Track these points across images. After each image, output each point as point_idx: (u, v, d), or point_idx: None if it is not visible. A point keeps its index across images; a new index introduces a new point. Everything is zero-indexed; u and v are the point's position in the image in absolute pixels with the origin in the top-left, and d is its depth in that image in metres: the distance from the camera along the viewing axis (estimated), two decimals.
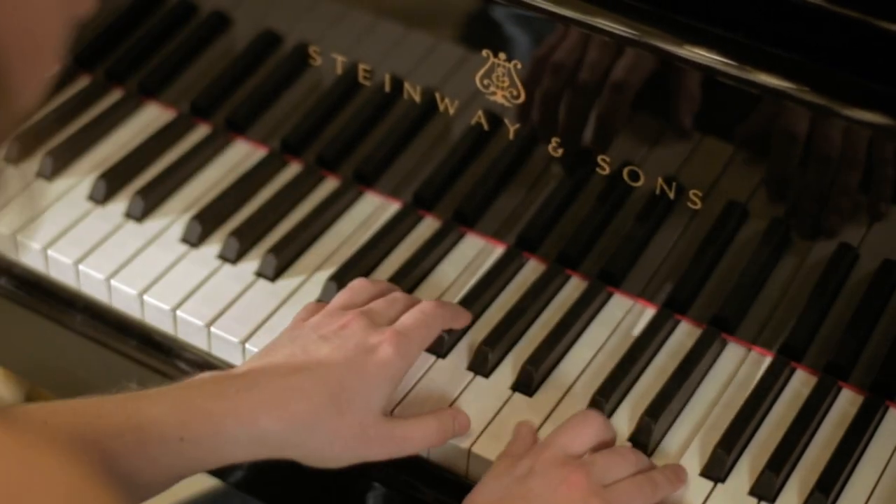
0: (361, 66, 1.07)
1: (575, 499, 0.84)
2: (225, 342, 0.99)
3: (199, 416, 0.84)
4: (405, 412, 0.93)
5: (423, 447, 0.91)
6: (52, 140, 1.15)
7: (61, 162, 1.12)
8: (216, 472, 1.00)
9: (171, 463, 0.84)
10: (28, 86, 0.55)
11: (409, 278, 1.04)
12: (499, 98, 1.00)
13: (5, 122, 0.55)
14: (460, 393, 0.96)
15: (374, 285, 0.98)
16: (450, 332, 0.99)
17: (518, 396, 0.96)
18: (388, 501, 0.95)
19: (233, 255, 1.05)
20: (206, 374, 0.88)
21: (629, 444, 0.93)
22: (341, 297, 0.96)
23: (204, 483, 1.13)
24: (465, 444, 0.92)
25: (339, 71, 1.08)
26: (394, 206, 1.11)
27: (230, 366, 0.99)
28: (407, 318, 0.92)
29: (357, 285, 0.97)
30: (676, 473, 0.91)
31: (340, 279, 1.02)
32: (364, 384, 0.87)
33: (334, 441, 0.86)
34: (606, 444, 0.92)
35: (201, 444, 0.84)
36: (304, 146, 1.13)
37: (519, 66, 0.98)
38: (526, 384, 0.96)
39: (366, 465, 0.90)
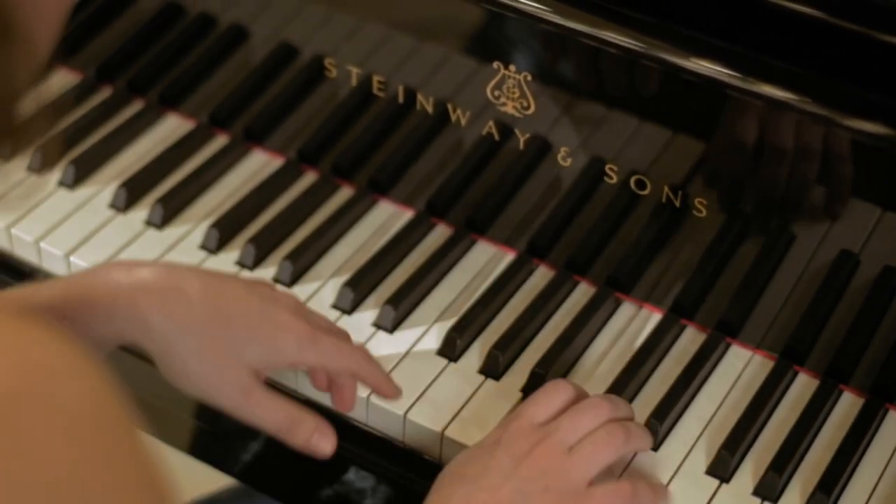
0: (376, 78, 1.08)
1: (536, 471, 0.84)
2: None
3: (78, 291, 0.84)
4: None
5: (264, 425, 0.88)
6: (75, 149, 1.16)
7: (84, 171, 1.14)
8: (228, 470, 1.03)
9: None
10: (40, 28, 0.55)
11: (422, 284, 1.05)
12: (509, 109, 1.02)
13: (24, 66, 0.54)
14: (471, 394, 0.97)
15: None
16: (460, 335, 1.01)
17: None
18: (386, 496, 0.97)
19: (250, 262, 1.07)
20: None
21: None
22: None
23: (218, 482, 1.15)
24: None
25: (354, 82, 1.09)
26: (407, 214, 1.12)
27: None
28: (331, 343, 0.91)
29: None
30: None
31: (355, 285, 1.04)
32: (249, 327, 0.86)
33: (193, 358, 0.85)
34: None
35: (76, 321, 0.84)
36: (320, 156, 1.15)
37: (529, 77, 0.99)
38: (535, 387, 0.97)
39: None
